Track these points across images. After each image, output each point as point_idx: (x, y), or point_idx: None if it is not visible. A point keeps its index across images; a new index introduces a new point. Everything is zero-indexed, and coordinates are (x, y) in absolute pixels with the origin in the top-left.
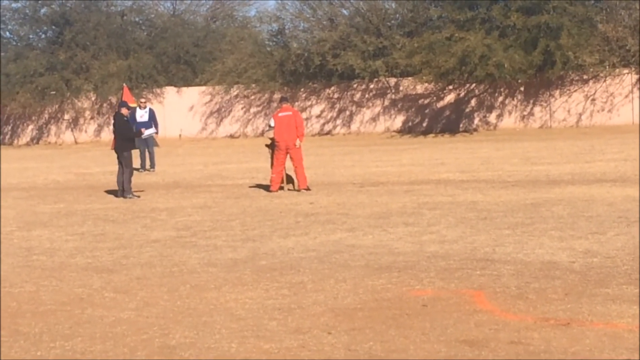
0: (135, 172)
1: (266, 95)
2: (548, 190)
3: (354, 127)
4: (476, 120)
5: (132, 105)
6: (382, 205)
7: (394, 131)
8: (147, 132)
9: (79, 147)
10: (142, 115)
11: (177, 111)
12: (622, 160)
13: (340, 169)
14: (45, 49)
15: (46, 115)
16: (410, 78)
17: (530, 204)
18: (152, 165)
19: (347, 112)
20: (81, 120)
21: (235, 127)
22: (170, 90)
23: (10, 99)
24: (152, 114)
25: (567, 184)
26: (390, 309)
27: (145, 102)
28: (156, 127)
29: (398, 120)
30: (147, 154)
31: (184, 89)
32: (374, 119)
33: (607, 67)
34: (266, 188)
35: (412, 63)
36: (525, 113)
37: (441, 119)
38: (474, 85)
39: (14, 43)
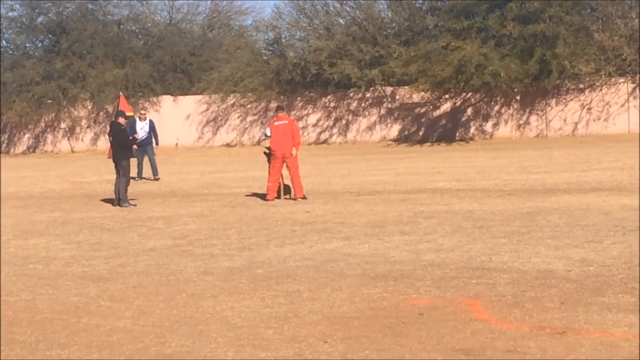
0: (132, 181)
1: (262, 104)
2: (544, 199)
3: (350, 136)
4: (472, 129)
5: (129, 114)
6: (378, 214)
7: (390, 140)
8: (141, 136)
9: (76, 155)
10: (142, 127)
11: (174, 120)
12: (618, 169)
13: (336, 177)
14: (42, 58)
15: (43, 124)
16: (406, 87)
17: (526, 213)
18: (155, 174)
19: (344, 121)
20: (77, 129)
21: (232, 136)
22: (166, 99)
23: (6, 107)
24: (152, 125)
25: (563, 192)
26: (387, 318)
27: (145, 114)
28: (156, 138)
29: (394, 129)
30: (144, 163)
31: (181, 97)
32: (370, 127)
33: (603, 76)
34: (262, 197)
35: (408, 72)
36: (521, 122)
37: (437, 127)
38: (470, 94)
39: (11, 52)
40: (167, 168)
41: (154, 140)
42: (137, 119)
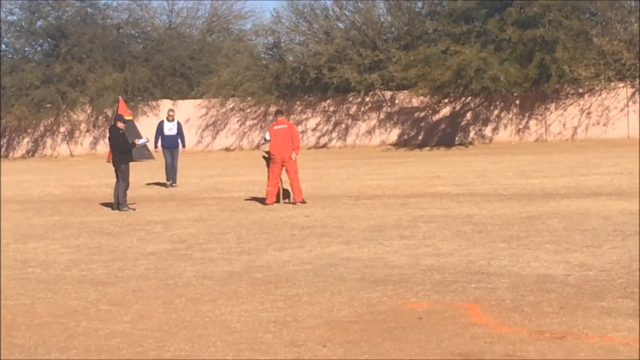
0: (165, 187)
1: (262, 108)
2: (543, 203)
3: (350, 140)
4: (472, 134)
5: (128, 118)
6: (377, 218)
7: (389, 144)
8: (140, 142)
9: (75, 159)
10: (170, 128)
11: None
12: (618, 174)
13: (335, 182)
14: (41, 62)
15: (42, 128)
16: (405, 91)
17: (525, 217)
18: (174, 179)
19: (343, 125)
20: (77, 133)
21: (231, 140)
22: (166, 103)
23: (6, 111)
24: (179, 127)
25: (562, 197)
26: (386, 322)
27: (173, 115)
28: (182, 140)
29: (394, 134)
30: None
31: (180, 101)
32: (370, 132)
33: (603, 80)
34: (262, 201)
35: (407, 76)
36: (520, 126)
37: (437, 132)
38: (469, 98)
39: (10, 56)
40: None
41: (180, 143)
42: (165, 120)
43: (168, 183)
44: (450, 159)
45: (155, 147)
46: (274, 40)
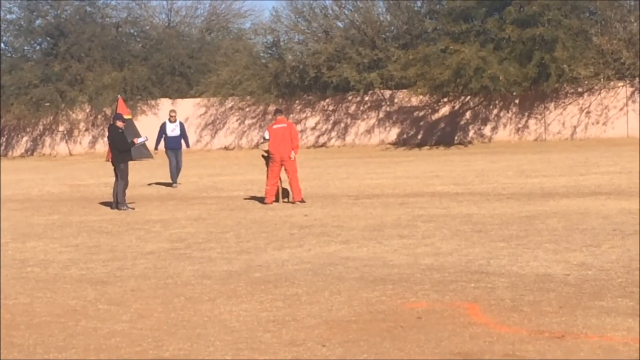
0: (171, 187)
1: (261, 107)
2: (543, 203)
3: (349, 139)
4: (471, 133)
5: (127, 117)
6: (376, 217)
7: (388, 143)
8: (139, 141)
9: (74, 158)
10: (173, 129)
11: None
12: (617, 173)
13: (334, 181)
14: (40, 61)
15: (41, 127)
16: (405, 90)
17: (524, 217)
18: (175, 180)
19: (342, 124)
20: (75, 132)
21: (230, 139)
22: (165, 102)
23: (5, 110)
24: (182, 127)
25: (561, 196)
26: (385, 322)
27: (175, 115)
28: (186, 140)
29: (393, 133)
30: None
31: (179, 100)
32: (369, 131)
33: (602, 79)
34: (261, 200)
35: (407, 75)
36: (520, 126)
37: (436, 131)
38: (468, 97)
39: (9, 54)
40: (164, 171)
41: (183, 143)
42: (167, 121)
43: (174, 185)
44: (449, 158)
45: (156, 148)
46: (273, 39)
